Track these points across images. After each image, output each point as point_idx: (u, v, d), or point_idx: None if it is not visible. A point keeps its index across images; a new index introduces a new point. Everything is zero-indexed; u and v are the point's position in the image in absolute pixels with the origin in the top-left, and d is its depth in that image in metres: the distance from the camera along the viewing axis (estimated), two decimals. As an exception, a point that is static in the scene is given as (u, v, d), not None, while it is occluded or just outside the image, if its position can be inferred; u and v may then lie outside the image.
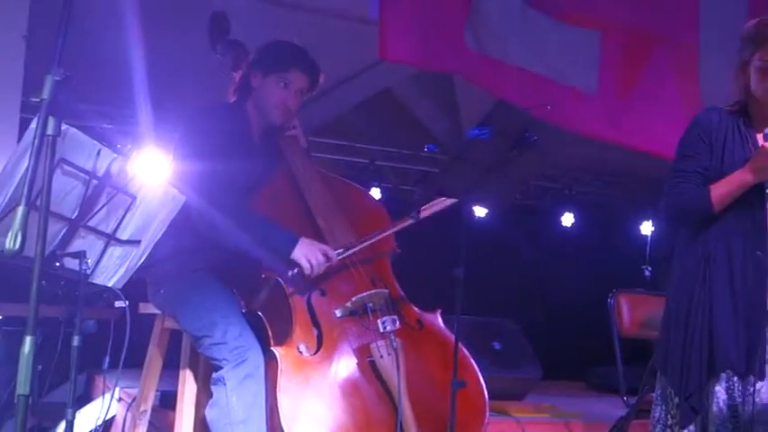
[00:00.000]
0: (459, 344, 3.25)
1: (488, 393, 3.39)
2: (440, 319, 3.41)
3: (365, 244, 3.22)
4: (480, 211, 6.90)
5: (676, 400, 2.67)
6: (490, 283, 6.70)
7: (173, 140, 3.36)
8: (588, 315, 5.09)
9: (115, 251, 2.58)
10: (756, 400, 2.56)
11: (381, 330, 3.12)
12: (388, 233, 3.29)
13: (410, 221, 3.21)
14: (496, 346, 5.07)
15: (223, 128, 3.18)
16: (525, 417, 4.32)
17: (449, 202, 3.17)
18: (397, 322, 3.17)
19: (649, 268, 7.02)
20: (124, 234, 2.56)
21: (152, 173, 2.85)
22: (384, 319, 3.13)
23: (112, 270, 2.61)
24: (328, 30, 5.13)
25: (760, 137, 2.73)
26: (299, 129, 3.49)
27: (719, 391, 2.61)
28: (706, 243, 2.71)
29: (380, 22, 4.30)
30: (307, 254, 3.05)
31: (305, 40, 3.40)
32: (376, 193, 6.49)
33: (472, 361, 3.38)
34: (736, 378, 2.60)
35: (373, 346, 3.09)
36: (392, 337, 3.09)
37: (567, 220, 7.34)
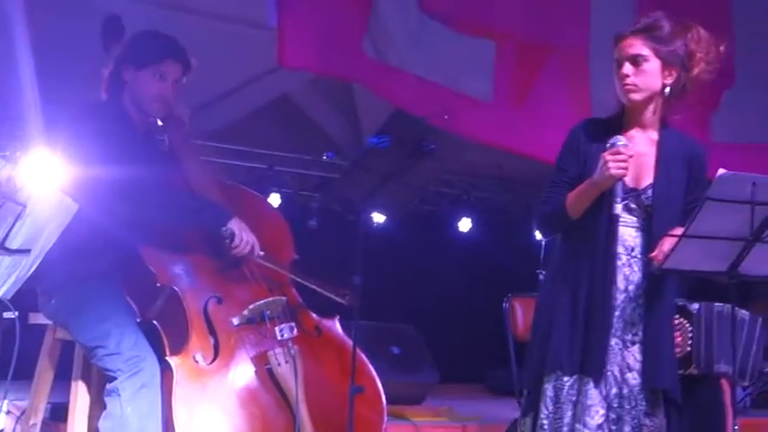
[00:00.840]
0: (358, 349, 3.30)
1: (387, 398, 3.46)
2: (338, 326, 3.45)
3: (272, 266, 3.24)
4: (379, 218, 6.95)
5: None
6: (389, 288, 6.75)
7: (58, 141, 3.28)
8: (485, 319, 5.19)
9: (4, 261, 2.51)
10: (582, 399, 2.67)
11: (279, 338, 3.13)
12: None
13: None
14: (395, 350, 5.14)
15: (109, 128, 3.12)
16: (423, 420, 4.39)
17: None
18: (295, 329, 3.19)
19: (544, 273, 7.19)
20: (14, 243, 2.49)
21: (43, 179, 2.79)
22: (282, 326, 3.15)
23: (1, 280, 2.54)
24: (225, 34, 5.08)
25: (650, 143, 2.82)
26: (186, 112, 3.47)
27: (548, 388, 2.72)
28: (564, 246, 2.83)
29: (279, 29, 4.32)
30: (240, 229, 3.09)
31: (200, 43, 3.39)
32: (275, 198, 6.47)
33: (370, 366, 3.42)
34: (566, 378, 2.70)
35: (271, 353, 3.10)
36: (290, 345, 3.11)
37: (465, 225, 7.46)
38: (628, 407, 2.70)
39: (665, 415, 2.74)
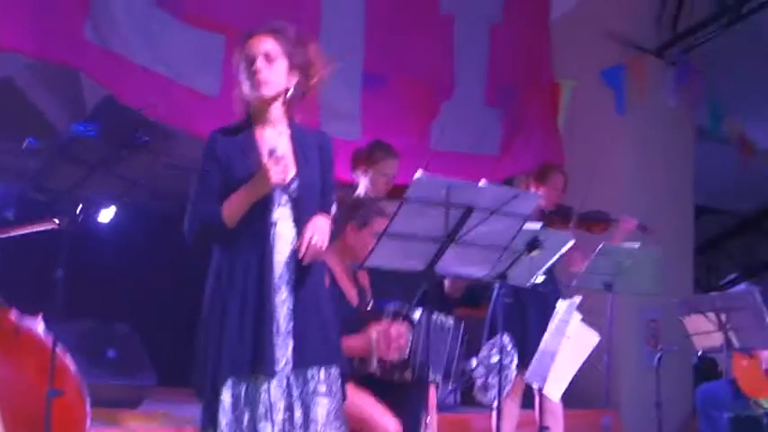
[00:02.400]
0: (60, 351, 3.15)
1: (101, 402, 3.31)
2: (40, 325, 3.27)
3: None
4: (108, 215, 6.67)
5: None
6: (109, 286, 6.53)
7: None
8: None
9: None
10: (264, 397, 2.70)
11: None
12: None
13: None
14: (110, 353, 4.93)
15: None
16: (137, 423, 4.27)
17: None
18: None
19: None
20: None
21: None
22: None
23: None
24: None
25: (263, 147, 2.81)
26: None
27: (225, 396, 2.70)
28: (223, 258, 2.78)
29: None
30: None
31: None
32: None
33: (72, 368, 3.27)
34: (243, 384, 2.72)
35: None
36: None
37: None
38: (296, 393, 2.76)
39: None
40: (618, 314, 4.92)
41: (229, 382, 2.70)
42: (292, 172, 2.82)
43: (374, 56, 5.54)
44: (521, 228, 3.00)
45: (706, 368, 6.98)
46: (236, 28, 5.09)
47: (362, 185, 4.32)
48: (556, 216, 4.89)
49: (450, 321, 3.75)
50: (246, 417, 2.71)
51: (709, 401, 5.00)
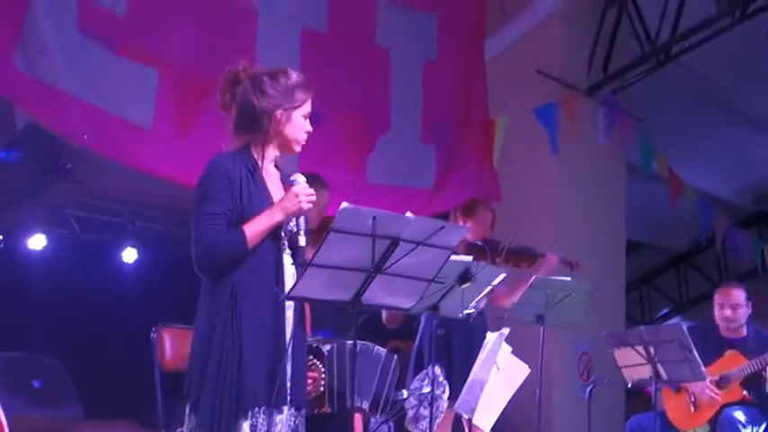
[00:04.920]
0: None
1: (25, 434, 3.20)
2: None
3: None
4: (36, 244, 6.54)
5: None
6: (39, 317, 6.39)
7: None
8: (139, 351, 5.03)
9: None
10: (279, 428, 2.75)
11: None
12: None
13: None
14: (36, 384, 4.81)
15: None
16: (61, 458, 4.15)
17: None
18: None
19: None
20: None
21: None
22: None
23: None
24: None
25: (273, 177, 2.95)
26: None
27: (245, 428, 2.71)
28: (233, 284, 2.78)
29: None
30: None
31: None
32: None
33: (-7, 400, 3.18)
34: (261, 415, 2.74)
35: None
36: None
37: (130, 255, 7.23)
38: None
39: None
40: (550, 347, 4.95)
41: (250, 413, 2.72)
42: None
43: (309, 93, 5.54)
44: (447, 259, 3.00)
45: (640, 400, 7.06)
46: (170, 63, 5.09)
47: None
48: (483, 250, 4.91)
49: (381, 351, 3.73)
50: None
51: (640, 434, 5.05)
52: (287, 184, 2.93)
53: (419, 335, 4.27)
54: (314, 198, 2.85)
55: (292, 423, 2.82)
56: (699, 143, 8.94)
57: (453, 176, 6.59)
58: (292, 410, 2.84)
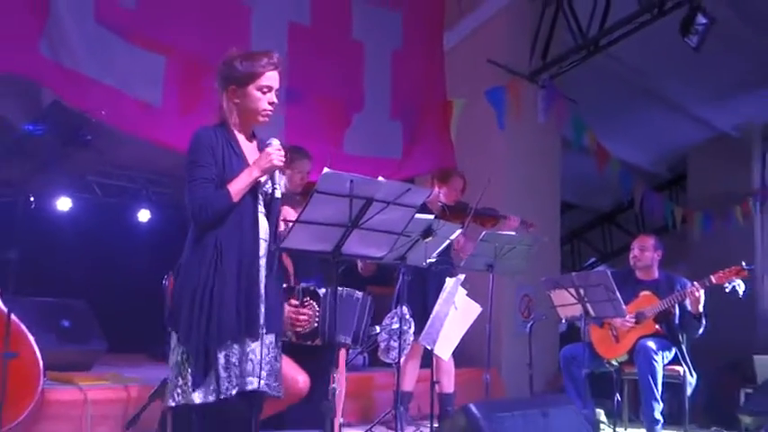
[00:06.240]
0: (15, 319, 3.03)
1: (56, 366, 3.19)
2: (-1, 300, 3.13)
3: None
4: (64, 206, 6.44)
5: (189, 369, 2.70)
6: (68, 267, 6.33)
7: None
8: (152, 296, 4.99)
9: None
10: (251, 357, 2.74)
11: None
12: None
13: None
14: (65, 323, 4.76)
15: None
16: (88, 384, 4.11)
17: None
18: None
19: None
20: None
21: None
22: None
23: None
24: None
25: (251, 146, 2.92)
26: None
27: (220, 356, 2.71)
28: (216, 236, 2.77)
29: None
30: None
31: None
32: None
33: (28, 334, 3.16)
34: (235, 345, 2.73)
35: None
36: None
37: (144, 215, 7.19)
38: (265, 353, 2.79)
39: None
40: (498, 290, 4.98)
41: (223, 345, 2.71)
42: None
43: (295, 74, 5.48)
44: (413, 216, 2.99)
45: (572, 333, 7.15)
46: (175, 50, 5.01)
47: (282, 182, 4.27)
48: (454, 211, 4.96)
49: (359, 294, 3.74)
50: (236, 373, 2.71)
51: (570, 361, 5.10)
52: (264, 147, 2.89)
53: (398, 282, 4.26)
54: (283, 156, 2.83)
55: (267, 343, 2.81)
56: (622, 121, 8.99)
57: (417, 148, 6.59)
58: (270, 336, 2.83)
